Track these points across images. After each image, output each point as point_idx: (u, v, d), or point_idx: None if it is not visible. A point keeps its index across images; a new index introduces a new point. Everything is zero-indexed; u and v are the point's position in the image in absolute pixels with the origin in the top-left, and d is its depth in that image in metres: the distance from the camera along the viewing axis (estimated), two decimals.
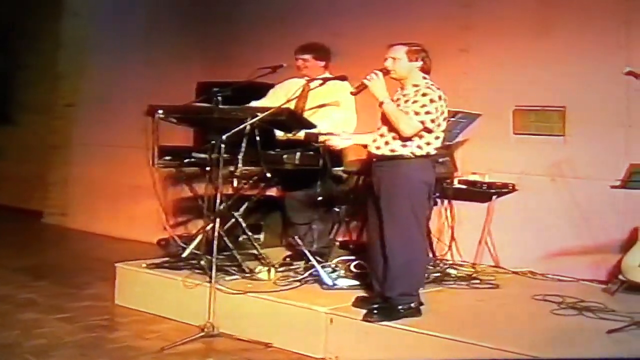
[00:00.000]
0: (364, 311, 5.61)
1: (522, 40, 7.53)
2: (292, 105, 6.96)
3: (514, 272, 7.26)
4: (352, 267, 6.60)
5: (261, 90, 7.58)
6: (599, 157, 7.10)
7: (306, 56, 7.22)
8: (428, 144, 5.61)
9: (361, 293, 6.10)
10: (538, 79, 7.43)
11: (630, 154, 6.81)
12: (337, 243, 7.48)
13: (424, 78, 5.72)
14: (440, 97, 5.59)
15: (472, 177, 7.61)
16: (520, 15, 7.57)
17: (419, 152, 5.58)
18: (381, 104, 5.60)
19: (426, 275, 6.29)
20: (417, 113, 5.51)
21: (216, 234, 6.17)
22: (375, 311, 5.56)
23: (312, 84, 7.12)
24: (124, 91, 10.49)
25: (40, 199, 11.90)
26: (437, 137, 5.66)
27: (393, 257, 5.58)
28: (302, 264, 6.85)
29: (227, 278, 6.45)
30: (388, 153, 5.62)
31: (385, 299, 5.67)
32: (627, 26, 6.98)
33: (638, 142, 6.90)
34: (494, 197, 7.53)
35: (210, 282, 6.07)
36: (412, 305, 5.61)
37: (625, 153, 6.87)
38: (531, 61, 7.47)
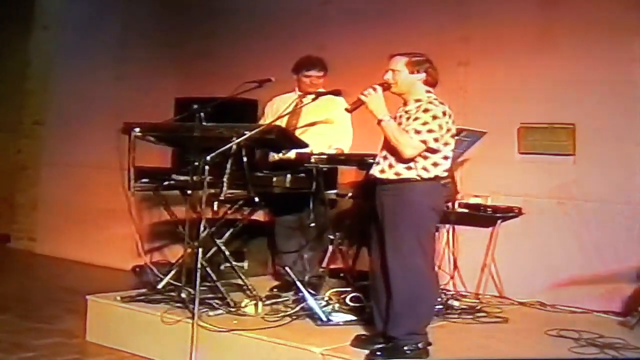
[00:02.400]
0: (365, 352, 5.14)
1: (527, 51, 7.19)
2: (283, 123, 6.59)
3: (520, 303, 6.88)
4: (347, 300, 6.17)
5: (245, 107, 7.36)
6: (611, 178, 6.78)
7: (322, 73, 6.86)
8: (435, 165, 5.10)
9: (359, 330, 5.64)
10: (544, 93, 7.10)
11: None
12: (327, 271, 7.11)
13: (428, 92, 5.24)
14: (444, 113, 5.09)
15: (473, 200, 7.23)
16: (524, 25, 7.25)
17: (426, 175, 5.07)
18: (379, 122, 5.11)
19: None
20: (417, 132, 5.02)
21: (199, 264, 5.73)
22: (378, 352, 5.10)
23: (305, 100, 6.70)
24: (96, 108, 10.18)
25: (6, 223, 11.48)
26: (445, 157, 5.16)
27: (397, 292, 5.08)
28: (290, 295, 6.48)
29: (211, 313, 6.00)
30: (393, 177, 5.12)
31: (389, 338, 5.18)
32: None
33: None
34: (498, 221, 7.15)
35: (192, 318, 5.61)
36: (420, 345, 5.10)
37: None
38: (537, 74, 7.15)
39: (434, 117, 5.03)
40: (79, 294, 6.94)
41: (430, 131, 5.01)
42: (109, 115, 9.25)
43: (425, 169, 5.07)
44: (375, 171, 5.24)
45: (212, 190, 5.81)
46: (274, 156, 6.55)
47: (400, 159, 5.06)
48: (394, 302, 5.10)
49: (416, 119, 5.06)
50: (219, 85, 7.04)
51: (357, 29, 8.20)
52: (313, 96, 6.51)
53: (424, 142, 5.00)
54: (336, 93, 6.36)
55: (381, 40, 7.53)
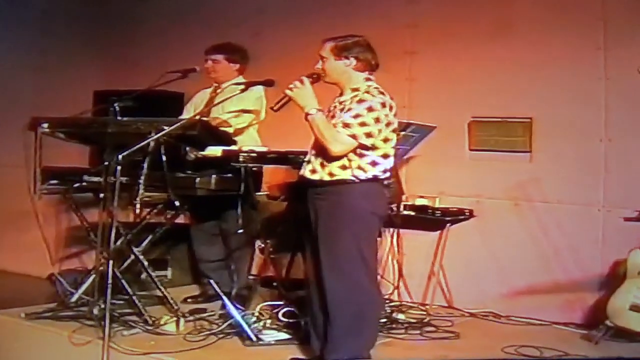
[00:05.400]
0: None
1: (480, 39, 6.83)
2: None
3: (471, 314, 6.52)
4: (280, 315, 5.69)
5: (169, 100, 7.06)
6: (572, 177, 6.46)
7: (217, 56, 6.52)
8: (374, 164, 4.63)
9: (294, 350, 5.19)
10: (499, 85, 6.76)
11: (610, 172, 6.25)
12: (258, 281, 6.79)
13: (368, 80, 4.77)
14: (384, 104, 4.62)
15: (420, 202, 6.83)
16: (477, 11, 6.89)
17: (363, 176, 4.61)
18: (307, 115, 4.61)
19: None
20: (346, 125, 4.54)
21: (110, 278, 5.15)
22: None
23: (228, 91, 6.24)
24: (11, 101, 9.47)
25: None
26: (385, 155, 4.68)
27: (336, 311, 4.63)
28: (217, 309, 5.98)
29: (126, 332, 5.46)
30: (327, 178, 4.65)
31: None
32: (606, 23, 6.31)
33: (619, 158, 6.25)
34: (447, 225, 6.77)
35: (103, 338, 5.03)
36: None
37: (605, 171, 6.29)
38: (490, 64, 6.81)
39: (370, 109, 4.58)
40: None
41: (363, 124, 4.55)
42: (25, 109, 8.58)
43: (361, 168, 4.62)
44: (305, 171, 4.79)
45: (128, 193, 5.38)
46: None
47: (329, 157, 4.60)
48: (332, 322, 4.66)
49: (349, 110, 4.61)
50: (146, 76, 6.56)
51: (297, 15, 7.86)
52: (242, 87, 6.00)
53: (354, 137, 4.55)
54: (268, 83, 5.87)
55: (323, 28, 6.94)
